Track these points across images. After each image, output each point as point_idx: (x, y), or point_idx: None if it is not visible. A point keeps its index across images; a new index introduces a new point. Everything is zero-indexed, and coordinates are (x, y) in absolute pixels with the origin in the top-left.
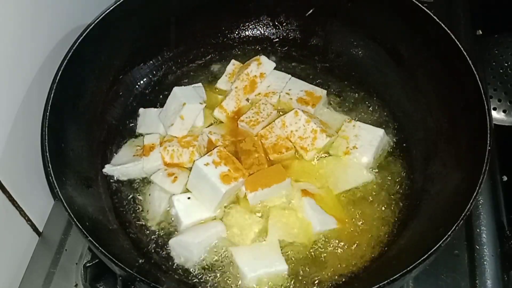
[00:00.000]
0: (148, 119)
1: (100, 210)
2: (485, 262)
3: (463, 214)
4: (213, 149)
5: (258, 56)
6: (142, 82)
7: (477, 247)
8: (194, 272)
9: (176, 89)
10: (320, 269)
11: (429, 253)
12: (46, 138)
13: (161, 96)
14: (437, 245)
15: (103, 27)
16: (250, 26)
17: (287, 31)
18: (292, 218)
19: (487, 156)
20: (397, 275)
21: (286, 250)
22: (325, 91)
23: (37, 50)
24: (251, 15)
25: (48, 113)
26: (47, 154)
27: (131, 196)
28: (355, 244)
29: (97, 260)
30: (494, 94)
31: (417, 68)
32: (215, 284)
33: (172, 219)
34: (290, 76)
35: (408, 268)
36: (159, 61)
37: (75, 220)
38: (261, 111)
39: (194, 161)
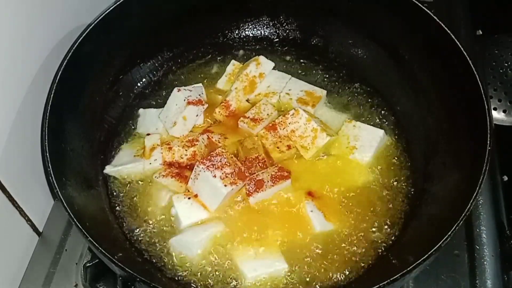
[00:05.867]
0: (148, 119)
1: (100, 210)
2: (485, 262)
3: (463, 214)
4: (214, 150)
5: (257, 56)
6: (142, 82)
7: (477, 247)
8: (194, 271)
9: (176, 90)
10: (320, 269)
11: (429, 253)
12: (46, 138)
13: (161, 96)
14: (437, 245)
15: (103, 27)
16: (250, 26)
17: (287, 31)
18: (292, 218)
19: (487, 156)
20: (397, 275)
21: (286, 250)
22: (325, 91)
23: (37, 50)
24: (251, 15)
25: (48, 113)
26: (47, 154)
27: (131, 196)
28: (355, 244)
29: (97, 260)
30: (494, 94)
31: (417, 68)
32: (215, 284)
33: (172, 218)
34: (290, 76)
35: (408, 268)
36: (159, 61)
37: (75, 220)
38: (261, 111)
39: (195, 161)
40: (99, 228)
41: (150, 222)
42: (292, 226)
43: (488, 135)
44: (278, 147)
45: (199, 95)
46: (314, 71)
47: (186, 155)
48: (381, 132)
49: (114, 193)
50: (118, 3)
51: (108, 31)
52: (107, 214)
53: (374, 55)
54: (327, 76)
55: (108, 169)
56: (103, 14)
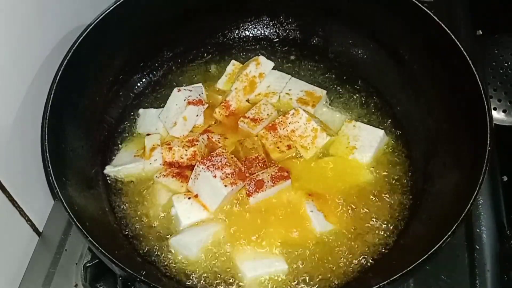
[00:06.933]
0: (148, 119)
1: (100, 210)
2: (485, 262)
3: (463, 214)
4: (215, 150)
5: (257, 56)
6: (142, 82)
7: (477, 247)
8: (194, 271)
9: (176, 90)
10: (320, 270)
11: (429, 253)
12: (46, 138)
13: (161, 96)
14: (437, 245)
15: (103, 27)
16: (250, 26)
17: (287, 31)
18: (292, 218)
19: (487, 156)
20: (397, 275)
21: (286, 250)
22: (325, 91)
23: (37, 50)
24: (251, 15)
25: (48, 113)
26: (47, 154)
27: (131, 196)
28: (355, 244)
29: (97, 260)
30: (494, 94)
31: (417, 68)
32: (215, 284)
33: (172, 219)
34: (290, 76)
35: (408, 268)
36: (159, 61)
37: (75, 220)
38: (261, 111)
39: (195, 161)
40: (99, 228)
41: (150, 222)
42: (292, 226)
43: (488, 135)
44: (278, 147)
45: (199, 95)
46: (314, 71)
47: (186, 155)
48: (381, 132)
49: (114, 193)
50: (118, 3)
51: (108, 31)
52: (107, 214)
53: (374, 55)
54: (327, 76)
55: (108, 169)
56: (103, 14)
